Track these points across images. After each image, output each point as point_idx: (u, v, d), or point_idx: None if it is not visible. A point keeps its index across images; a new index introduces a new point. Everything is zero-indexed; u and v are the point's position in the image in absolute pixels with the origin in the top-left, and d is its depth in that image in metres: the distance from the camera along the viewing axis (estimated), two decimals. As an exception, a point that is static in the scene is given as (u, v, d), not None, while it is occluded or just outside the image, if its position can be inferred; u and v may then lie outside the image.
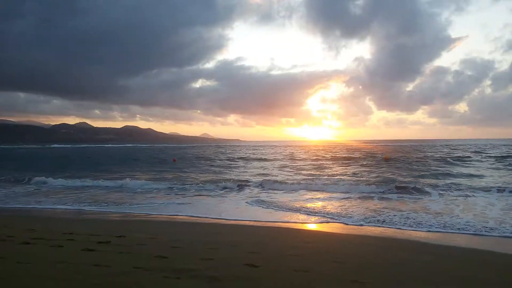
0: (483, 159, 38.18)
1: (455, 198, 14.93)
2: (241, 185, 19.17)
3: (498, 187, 17.13)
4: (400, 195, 15.87)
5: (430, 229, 9.88)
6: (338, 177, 23.70)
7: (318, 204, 14.05)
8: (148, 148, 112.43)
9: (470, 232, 9.52)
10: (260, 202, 14.40)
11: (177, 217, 12.15)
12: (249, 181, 20.83)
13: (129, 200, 15.69)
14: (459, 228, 9.83)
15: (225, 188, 18.45)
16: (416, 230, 9.90)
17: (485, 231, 9.53)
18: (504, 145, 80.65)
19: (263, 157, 51.31)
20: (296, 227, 10.59)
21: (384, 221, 10.82)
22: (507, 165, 30.88)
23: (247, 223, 11.18)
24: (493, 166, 30.79)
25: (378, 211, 12.53)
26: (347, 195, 15.84)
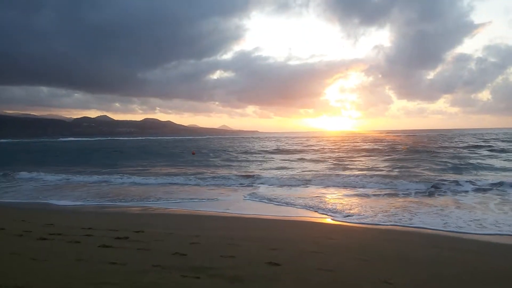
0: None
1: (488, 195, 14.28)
2: (257, 179, 18.86)
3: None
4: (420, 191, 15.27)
5: (459, 225, 9.44)
6: (356, 171, 23.19)
7: (337, 200, 13.62)
8: (167, 141, 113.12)
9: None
10: (277, 197, 14.02)
11: (195, 212, 11.96)
12: (265, 176, 20.50)
13: (147, 194, 15.61)
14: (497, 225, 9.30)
15: (241, 183, 18.07)
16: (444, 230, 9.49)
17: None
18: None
19: (281, 148, 50.99)
20: (315, 221, 10.30)
21: (399, 218, 10.42)
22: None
23: (264, 217, 10.94)
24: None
25: (400, 207, 12.12)
26: (366, 191, 15.28)
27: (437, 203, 12.33)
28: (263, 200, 13.48)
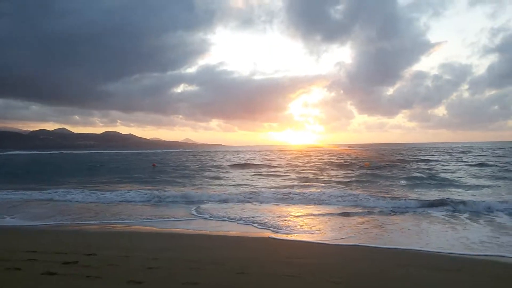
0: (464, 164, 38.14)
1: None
2: (213, 196, 17.91)
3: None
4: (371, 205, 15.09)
5: (431, 244, 9.19)
6: (317, 188, 22.93)
7: (299, 217, 13.12)
8: (127, 154, 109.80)
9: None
10: (235, 215, 13.38)
11: (154, 229, 11.17)
12: (222, 193, 19.75)
13: (99, 212, 14.63)
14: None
15: (197, 200, 16.83)
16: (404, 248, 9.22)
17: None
18: (480, 149, 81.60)
19: (242, 162, 50.23)
20: (281, 238, 9.75)
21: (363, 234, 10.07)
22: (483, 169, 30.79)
23: (229, 233, 10.33)
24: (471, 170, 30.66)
25: (367, 224, 11.86)
26: (329, 208, 14.55)
27: (405, 220, 12.14)
28: (223, 219, 12.68)
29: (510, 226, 10.85)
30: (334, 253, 8.11)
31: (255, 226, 11.31)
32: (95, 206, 15.84)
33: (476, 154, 56.91)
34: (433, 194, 17.66)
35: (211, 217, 13.02)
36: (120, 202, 16.78)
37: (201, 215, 13.40)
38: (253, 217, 12.71)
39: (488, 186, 19.92)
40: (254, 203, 15.87)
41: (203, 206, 15.34)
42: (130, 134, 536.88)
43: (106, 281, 5.26)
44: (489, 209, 12.62)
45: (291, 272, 6.03)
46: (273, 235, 9.98)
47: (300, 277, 5.74)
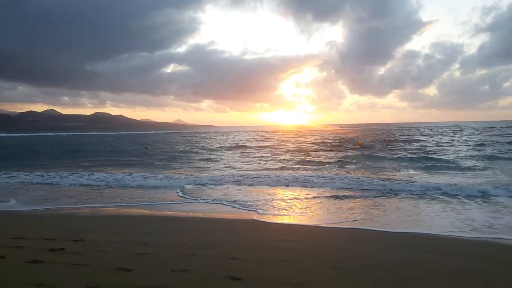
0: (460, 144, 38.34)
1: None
2: (201, 178, 17.80)
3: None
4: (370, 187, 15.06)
5: (427, 225, 9.12)
6: (307, 168, 22.86)
7: (293, 199, 13.07)
8: (118, 136, 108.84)
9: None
10: (226, 197, 13.29)
11: (145, 212, 10.97)
12: (209, 176, 19.58)
13: (92, 195, 14.41)
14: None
15: (187, 183, 16.45)
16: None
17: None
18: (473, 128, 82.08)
19: (233, 143, 50.03)
20: (274, 222, 9.61)
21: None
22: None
23: (220, 216, 10.18)
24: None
25: (362, 207, 11.78)
26: (323, 190, 14.43)
27: (401, 202, 12.07)
28: (215, 201, 12.46)
29: (504, 209, 10.84)
30: (330, 236, 7.95)
31: (247, 209, 11.13)
32: (86, 189, 15.57)
33: (468, 134, 57.24)
34: (428, 175, 17.69)
35: (202, 199, 12.83)
36: (112, 185, 16.48)
37: (192, 198, 13.20)
38: (244, 199, 12.55)
39: (483, 168, 19.83)
40: (245, 185, 15.66)
41: (194, 188, 15.18)
42: (120, 115, 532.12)
43: (94, 268, 5.07)
44: (484, 193, 12.48)
45: (287, 257, 5.89)
46: (267, 218, 9.82)
47: (297, 262, 5.60)
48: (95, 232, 7.89)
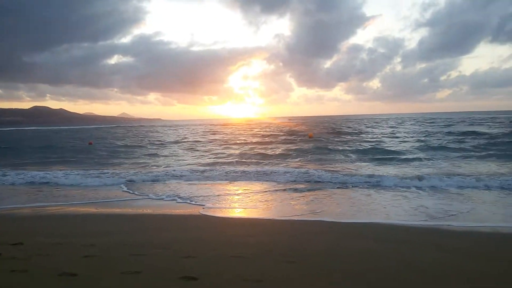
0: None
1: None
2: (144, 174, 17.33)
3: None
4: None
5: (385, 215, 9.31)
6: (258, 162, 22.89)
7: (242, 194, 12.94)
8: (60, 131, 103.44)
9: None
10: (166, 193, 13.02)
11: (91, 210, 10.42)
12: (156, 171, 19.09)
13: (34, 193, 13.53)
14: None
15: (129, 180, 15.63)
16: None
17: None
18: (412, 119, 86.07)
19: (180, 137, 49.15)
20: (227, 216, 9.48)
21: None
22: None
23: (169, 213, 9.89)
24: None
25: (311, 198, 11.90)
26: (276, 183, 14.43)
27: (355, 193, 12.31)
28: (163, 197, 12.08)
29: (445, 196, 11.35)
30: (285, 229, 7.90)
31: (197, 204, 10.90)
32: (22, 188, 14.61)
33: (410, 125, 59.90)
34: (376, 166, 18.21)
35: (150, 196, 12.42)
36: (51, 183, 15.54)
37: (140, 195, 12.76)
38: (194, 195, 12.32)
39: (428, 159, 20.62)
40: (194, 180, 15.37)
41: (141, 185, 14.68)
42: (61, 109, 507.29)
43: (34, 274, 4.64)
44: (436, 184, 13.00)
45: (241, 253, 5.73)
46: (219, 213, 9.65)
47: (252, 258, 5.46)
48: (36, 234, 7.33)
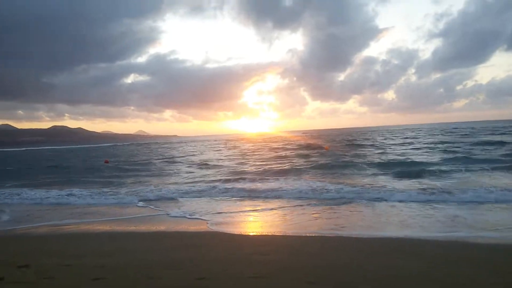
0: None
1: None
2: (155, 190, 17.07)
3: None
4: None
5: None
6: (269, 178, 22.41)
7: (254, 211, 12.55)
8: (74, 149, 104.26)
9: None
10: (193, 209, 12.70)
11: (105, 229, 10.17)
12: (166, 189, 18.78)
13: (49, 212, 13.37)
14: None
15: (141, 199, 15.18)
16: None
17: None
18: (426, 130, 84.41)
19: (196, 153, 49.00)
20: (239, 234, 9.09)
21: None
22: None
23: (180, 230, 9.56)
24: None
25: (324, 214, 11.46)
26: (291, 199, 13.89)
27: (383, 207, 11.85)
28: (180, 214, 11.83)
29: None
30: (300, 246, 7.47)
31: (209, 222, 10.51)
32: (42, 207, 14.50)
33: (430, 136, 58.58)
34: (396, 180, 17.63)
35: (166, 213, 12.13)
36: (68, 203, 15.39)
37: (154, 211, 12.51)
38: (206, 211, 11.95)
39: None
40: (210, 197, 14.85)
41: (155, 202, 14.41)
42: (79, 128, 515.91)
43: (38, 301, 4.37)
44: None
45: (258, 273, 5.37)
46: (231, 231, 9.28)
47: (271, 278, 5.10)
48: (46, 254, 7.09)
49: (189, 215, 11.60)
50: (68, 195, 16.45)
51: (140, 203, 14.12)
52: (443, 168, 20.05)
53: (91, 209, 13.60)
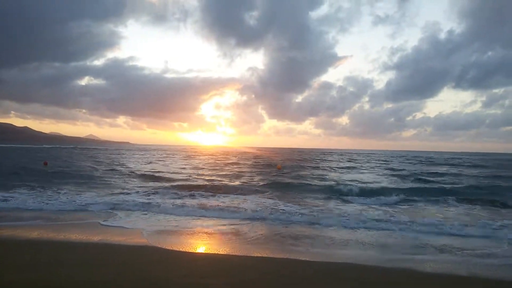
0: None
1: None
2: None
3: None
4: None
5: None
6: (222, 193, 21.69)
7: (205, 229, 11.89)
8: (20, 149, 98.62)
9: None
10: (136, 225, 11.78)
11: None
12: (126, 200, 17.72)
13: None
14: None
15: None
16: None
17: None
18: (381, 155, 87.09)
19: (146, 162, 47.46)
20: (189, 252, 8.38)
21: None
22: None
23: (120, 240, 8.69)
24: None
25: (276, 234, 10.96)
26: (242, 217, 13.21)
27: (331, 232, 11.44)
28: (109, 224, 10.96)
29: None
30: (255, 269, 6.83)
31: (148, 239, 9.73)
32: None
33: (381, 160, 60.09)
34: (346, 204, 17.47)
35: (101, 224, 11.17)
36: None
37: (91, 220, 11.50)
38: (149, 228, 11.15)
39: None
40: (146, 212, 13.45)
41: (93, 211, 13.37)
42: (25, 127, 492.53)
43: None
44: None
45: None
46: (168, 246, 8.55)
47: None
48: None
49: (125, 225, 10.76)
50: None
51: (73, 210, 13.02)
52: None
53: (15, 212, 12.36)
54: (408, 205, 16.04)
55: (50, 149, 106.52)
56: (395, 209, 14.70)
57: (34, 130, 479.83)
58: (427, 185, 24.00)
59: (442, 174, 33.78)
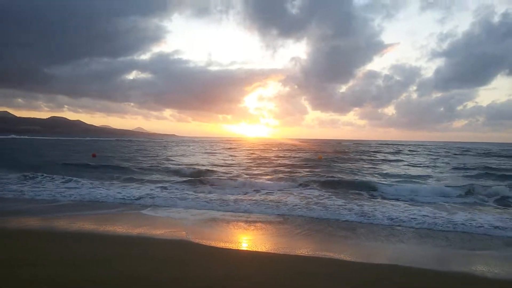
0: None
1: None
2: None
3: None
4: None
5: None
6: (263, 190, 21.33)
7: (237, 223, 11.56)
8: (75, 141, 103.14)
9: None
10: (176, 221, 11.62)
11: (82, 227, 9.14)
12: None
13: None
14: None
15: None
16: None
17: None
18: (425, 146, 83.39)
19: (192, 154, 48.00)
20: (217, 246, 8.10)
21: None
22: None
23: (159, 234, 8.53)
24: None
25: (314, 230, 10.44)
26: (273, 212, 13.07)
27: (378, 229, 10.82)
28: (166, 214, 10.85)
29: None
30: (288, 268, 6.42)
31: (188, 237, 9.56)
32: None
33: (439, 154, 57.54)
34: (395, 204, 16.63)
35: (144, 214, 11.14)
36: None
37: (134, 210, 11.49)
38: (184, 218, 10.98)
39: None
40: (191, 209, 12.78)
41: (136, 204, 13.42)
42: (78, 120, 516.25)
43: None
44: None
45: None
46: (205, 242, 8.29)
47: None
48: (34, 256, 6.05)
49: (170, 217, 10.64)
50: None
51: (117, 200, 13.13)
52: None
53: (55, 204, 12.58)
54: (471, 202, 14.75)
55: (100, 141, 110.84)
56: (455, 206, 13.63)
57: (86, 123, 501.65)
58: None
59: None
